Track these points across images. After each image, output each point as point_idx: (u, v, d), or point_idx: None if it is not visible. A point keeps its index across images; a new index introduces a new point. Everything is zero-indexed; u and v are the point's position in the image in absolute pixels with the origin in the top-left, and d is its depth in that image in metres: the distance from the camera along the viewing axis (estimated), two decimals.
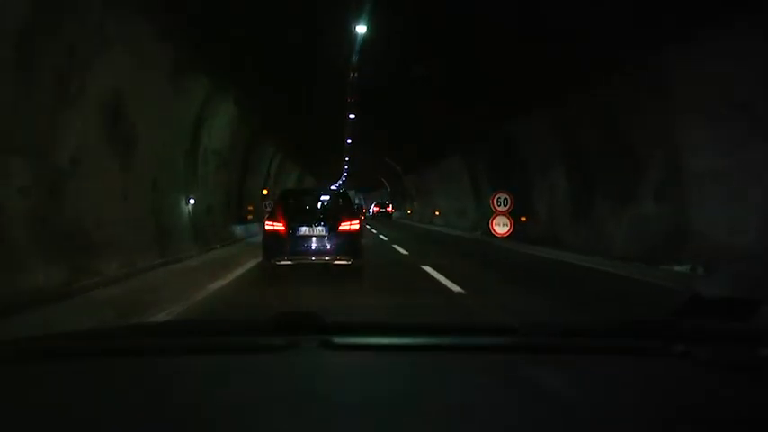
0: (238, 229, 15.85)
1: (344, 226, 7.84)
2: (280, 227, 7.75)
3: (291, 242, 7.66)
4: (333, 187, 48.62)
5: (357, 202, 41.20)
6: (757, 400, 1.05)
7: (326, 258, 7.75)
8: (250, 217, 16.61)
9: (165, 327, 2.12)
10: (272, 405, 0.95)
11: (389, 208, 49.84)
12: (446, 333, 1.49)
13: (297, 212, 8.16)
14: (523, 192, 17.45)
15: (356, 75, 15.45)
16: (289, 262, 7.73)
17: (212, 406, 0.96)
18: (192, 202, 11.10)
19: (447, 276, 8.02)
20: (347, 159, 40.51)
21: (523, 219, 17.06)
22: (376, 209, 48.44)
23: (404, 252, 13.00)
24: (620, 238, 11.28)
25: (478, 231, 22.26)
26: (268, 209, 21.13)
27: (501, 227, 18.02)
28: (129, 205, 7.77)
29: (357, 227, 8.03)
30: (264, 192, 21.21)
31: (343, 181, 57.96)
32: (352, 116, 22.34)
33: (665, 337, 1.33)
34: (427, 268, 9.14)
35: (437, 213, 31.30)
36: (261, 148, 19.57)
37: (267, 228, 7.91)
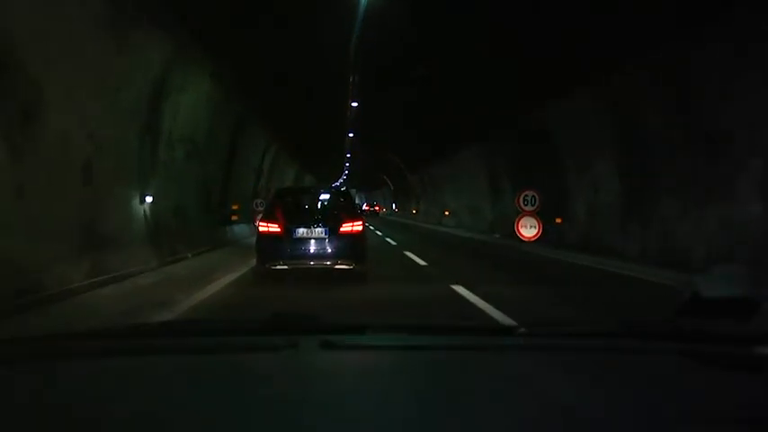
0: (221, 233, 13.32)
1: (346, 227, 7.29)
2: (275, 228, 7.21)
3: (288, 245, 7.14)
4: (335, 185, 47.94)
5: (357, 201, 37.65)
6: (757, 399, 1.04)
7: (327, 263, 7.19)
8: (235, 218, 14.10)
9: (166, 327, 1.99)
10: (271, 405, 0.96)
11: (377, 207, 60.85)
12: (446, 333, 1.51)
13: (294, 212, 7.64)
14: (556, 188, 14.94)
15: (359, 56, 13.10)
16: (285, 267, 7.15)
17: (212, 406, 0.96)
18: (148, 199, 8.57)
19: (496, 306, 5.53)
20: (348, 156, 38.32)
21: (558, 220, 14.56)
22: (366, 208, 51.99)
23: (421, 263, 10.48)
24: (701, 244, 8.77)
25: (497, 233, 19.76)
26: (260, 208, 18.66)
27: (528, 229, 15.55)
28: (30, 204, 5.25)
29: (360, 228, 7.46)
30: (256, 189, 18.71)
31: (343, 180, 56.32)
32: (354, 104, 19.97)
33: (665, 337, 1.37)
34: (462, 290, 6.65)
35: (447, 213, 28.77)
36: (250, 140, 17.04)
37: (261, 229, 7.37)
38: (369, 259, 7.67)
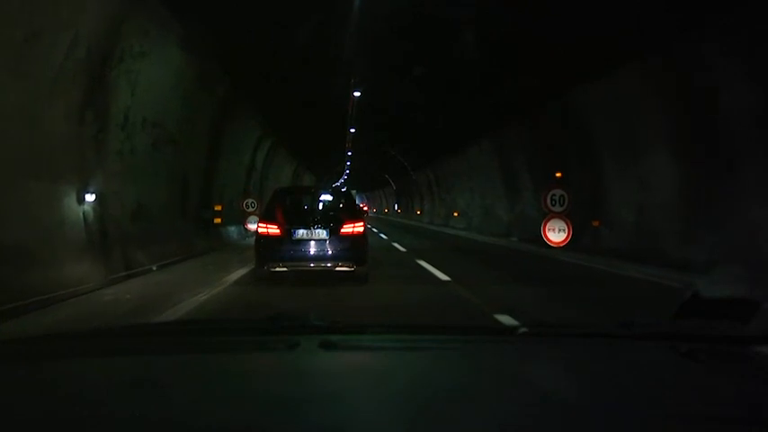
0: (201, 239, 11.29)
1: (347, 228, 7.21)
2: (274, 229, 7.13)
3: (288, 246, 7.07)
4: (335, 185, 46.64)
5: (358, 202, 36.12)
6: (757, 399, 1.04)
7: (327, 265, 7.13)
8: (218, 221, 12.04)
9: (166, 327, 2.03)
10: (271, 405, 0.96)
11: (363, 206, 66.91)
12: (446, 333, 1.50)
13: (294, 213, 7.56)
14: (590, 186, 12.91)
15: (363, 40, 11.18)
16: (284, 269, 7.13)
17: (212, 406, 0.95)
18: (90, 198, 6.53)
19: None
20: (349, 154, 36.35)
21: (596, 223, 12.51)
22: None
23: (442, 276, 8.41)
24: None
25: (514, 237, 17.73)
26: (251, 210, 16.65)
27: (557, 233, 13.56)
28: None
29: (361, 229, 7.37)
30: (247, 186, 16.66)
31: (344, 179, 54.69)
32: (357, 93, 17.95)
33: (665, 338, 1.36)
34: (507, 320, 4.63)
35: (456, 214, 26.71)
36: (240, 130, 15.01)
37: (260, 230, 7.30)
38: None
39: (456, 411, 0.94)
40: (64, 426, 0.89)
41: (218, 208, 12.15)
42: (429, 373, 1.17)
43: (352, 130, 25.70)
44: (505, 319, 4.85)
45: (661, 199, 10.27)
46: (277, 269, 7.04)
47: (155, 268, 8.15)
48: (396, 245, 15.32)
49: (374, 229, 24.76)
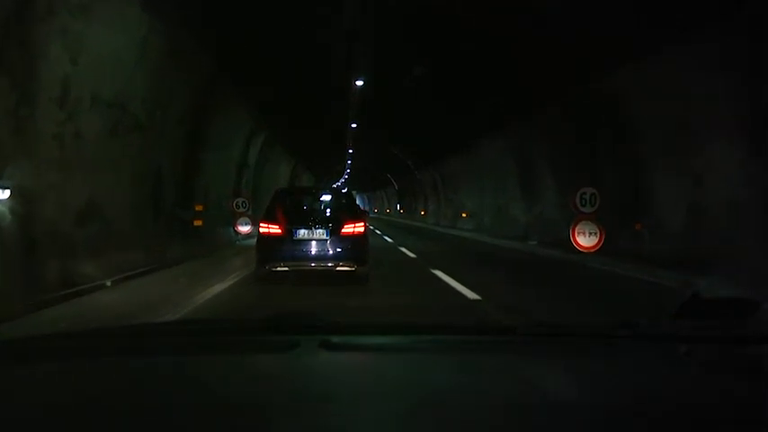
0: (177, 243, 9.61)
1: (348, 228, 7.20)
2: (276, 229, 7.12)
3: (288, 246, 7.07)
4: (336, 186, 45.73)
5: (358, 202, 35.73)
6: (757, 399, 1.04)
7: (328, 264, 7.13)
8: (198, 223, 10.35)
9: (166, 327, 1.98)
10: (271, 405, 0.96)
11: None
12: (446, 333, 1.49)
13: (295, 213, 7.51)
14: (628, 183, 11.26)
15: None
16: (285, 268, 7.12)
17: (212, 406, 0.95)
18: (4, 195, 4.84)
19: None
20: (350, 152, 34.79)
21: (639, 226, 10.84)
22: None
23: (468, 293, 6.72)
24: None
25: (533, 240, 16.05)
26: (242, 209, 14.98)
27: (587, 237, 11.93)
28: None
29: (362, 230, 7.37)
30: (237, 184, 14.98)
31: (345, 179, 53.35)
32: (359, 82, 16.35)
33: (665, 337, 1.37)
34: None
35: (465, 215, 25.03)
36: (228, 120, 13.34)
37: (262, 230, 7.27)
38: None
39: (456, 411, 0.94)
40: (64, 426, 0.89)
41: (198, 208, 10.47)
42: (429, 374, 1.16)
43: (354, 125, 24.11)
44: None
45: (722, 198, 8.59)
46: (278, 269, 7.08)
47: (108, 284, 6.48)
48: (403, 249, 13.65)
49: (377, 231, 23.12)
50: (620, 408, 0.98)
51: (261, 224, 7.32)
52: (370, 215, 42.51)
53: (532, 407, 0.97)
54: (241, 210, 14.75)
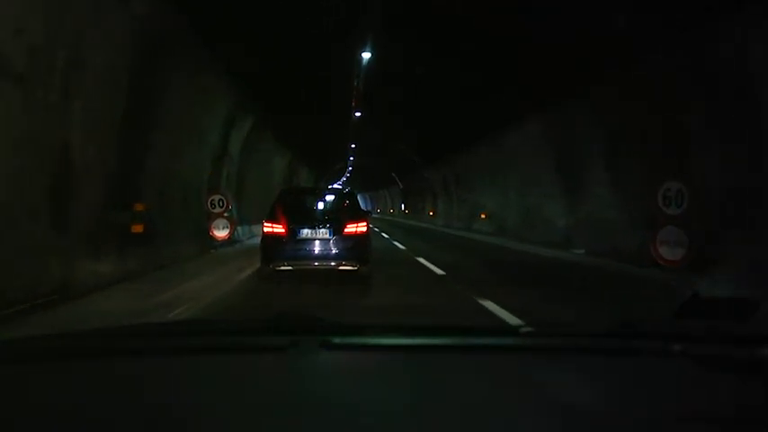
0: (99, 260, 6.53)
1: (350, 228, 7.38)
2: (279, 229, 7.30)
3: (292, 246, 7.25)
4: (337, 186, 44.00)
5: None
6: (757, 399, 1.05)
7: (331, 264, 7.29)
8: (138, 228, 7.23)
9: (166, 327, 1.91)
10: (272, 405, 0.96)
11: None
12: (446, 334, 1.47)
13: (298, 213, 7.68)
14: (740, 175, 8.23)
15: None
16: (289, 267, 7.28)
17: (213, 406, 0.95)
18: None
19: None
20: (353, 147, 31.92)
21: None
22: None
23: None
24: None
25: (579, 249, 13.04)
26: (218, 209, 11.93)
27: (671, 248, 9.12)
28: None
29: (364, 229, 7.54)
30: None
31: (347, 177, 50.98)
32: (366, 54, 13.46)
33: (665, 337, 1.34)
34: None
35: (483, 216, 21.96)
36: (197, 90, 10.29)
37: (266, 230, 7.43)
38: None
39: (456, 412, 0.94)
40: (63, 426, 0.89)
41: (139, 208, 7.39)
42: (430, 374, 1.16)
43: (357, 114, 21.19)
44: None
45: None
46: (282, 268, 7.23)
47: None
48: (422, 261, 10.62)
49: (384, 234, 20.14)
50: (620, 408, 0.98)
51: (265, 224, 7.46)
52: (373, 215, 40.76)
53: (533, 407, 0.96)
54: (217, 209, 11.72)
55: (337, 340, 1.27)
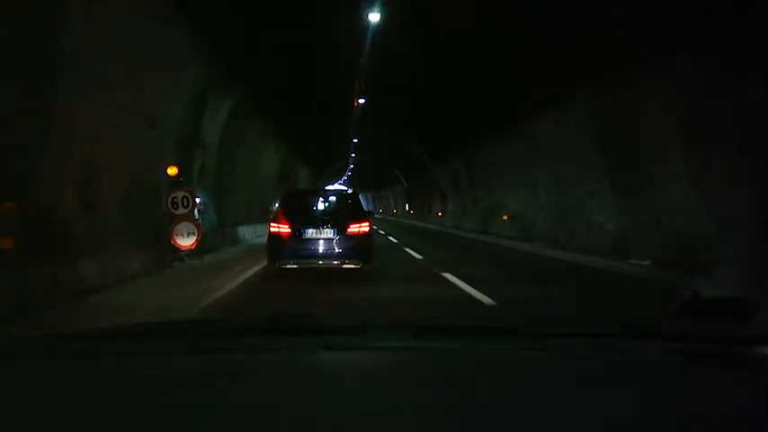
0: None
1: (353, 228, 7.61)
2: (285, 228, 7.54)
3: (297, 245, 7.49)
4: (341, 186, 42.50)
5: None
6: (757, 399, 1.03)
7: (334, 262, 7.57)
8: (7, 243, 4.47)
9: (166, 328, 1.82)
10: (272, 405, 0.95)
11: None
12: (447, 334, 1.48)
13: (303, 213, 7.98)
14: None
15: None
16: (294, 266, 7.56)
17: (212, 407, 0.93)
18: None
19: None
20: (355, 141, 29.49)
21: None
22: None
23: None
24: None
25: (646, 261, 10.29)
26: (182, 210, 9.02)
27: None
28: None
29: (367, 229, 7.77)
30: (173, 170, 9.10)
31: (348, 176, 48.78)
32: (373, 17, 10.73)
33: (666, 337, 1.35)
34: None
35: (506, 218, 19.17)
36: (137, 31, 7.52)
37: (272, 229, 7.72)
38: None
39: (457, 412, 0.93)
40: (63, 426, 0.88)
41: (7, 207, 4.56)
42: (430, 374, 1.15)
43: (362, 101, 18.55)
44: None
45: None
46: (287, 266, 7.50)
47: None
48: (455, 281, 7.82)
49: (392, 239, 17.41)
50: (620, 408, 0.97)
51: (271, 224, 7.77)
52: (375, 215, 40.11)
53: (533, 407, 0.95)
54: (181, 210, 8.96)
55: (337, 341, 1.29)
